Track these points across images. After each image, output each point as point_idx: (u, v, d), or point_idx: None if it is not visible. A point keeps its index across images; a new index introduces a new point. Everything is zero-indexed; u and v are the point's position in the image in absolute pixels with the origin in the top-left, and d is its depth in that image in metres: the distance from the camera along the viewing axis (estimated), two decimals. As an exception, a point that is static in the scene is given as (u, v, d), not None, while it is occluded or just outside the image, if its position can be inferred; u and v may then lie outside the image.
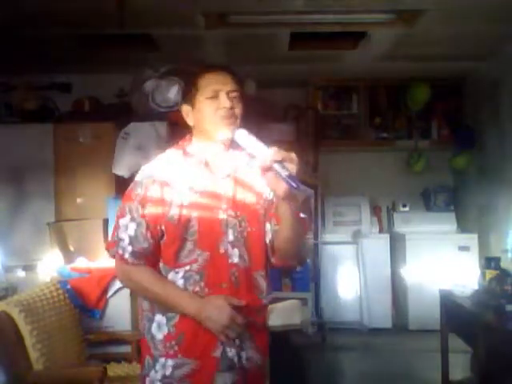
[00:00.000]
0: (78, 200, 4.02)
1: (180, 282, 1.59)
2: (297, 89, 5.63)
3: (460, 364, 3.72)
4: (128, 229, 1.60)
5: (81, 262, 3.52)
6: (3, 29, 3.77)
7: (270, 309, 3.36)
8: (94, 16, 3.61)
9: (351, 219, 5.54)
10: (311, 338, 4.79)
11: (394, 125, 5.66)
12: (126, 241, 1.60)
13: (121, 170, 3.83)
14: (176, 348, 1.58)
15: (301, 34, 4.21)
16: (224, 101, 1.63)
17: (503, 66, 4.71)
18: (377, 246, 5.42)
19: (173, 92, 3.94)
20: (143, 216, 1.60)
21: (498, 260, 3.21)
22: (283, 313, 3.32)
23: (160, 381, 1.58)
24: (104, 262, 3.58)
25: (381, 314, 5.30)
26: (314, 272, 5.23)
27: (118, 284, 3.21)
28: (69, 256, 3.66)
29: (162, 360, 1.58)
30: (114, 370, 2.80)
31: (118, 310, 3.17)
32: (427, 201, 5.73)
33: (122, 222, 1.62)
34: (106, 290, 3.18)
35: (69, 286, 3.06)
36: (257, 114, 5.15)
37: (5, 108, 4.56)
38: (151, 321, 1.62)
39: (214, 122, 1.63)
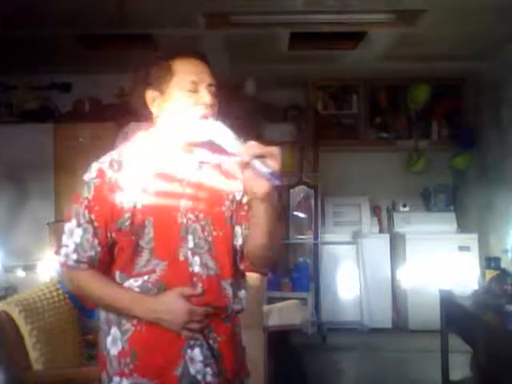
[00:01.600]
0: (78, 200, 4.02)
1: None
2: (297, 89, 5.63)
3: (460, 364, 3.72)
4: (73, 235, 1.44)
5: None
6: (3, 29, 3.77)
7: (270, 309, 3.37)
8: (94, 16, 3.61)
9: (351, 219, 5.54)
10: (311, 338, 4.79)
11: (394, 125, 5.66)
12: (71, 247, 1.44)
13: (121, 170, 3.83)
14: (131, 366, 1.40)
15: (301, 34, 4.21)
16: (204, 96, 1.44)
17: (503, 66, 4.71)
18: (377, 246, 5.41)
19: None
20: (90, 222, 1.43)
21: (498, 260, 3.21)
22: (283, 313, 3.32)
23: None
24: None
25: (381, 314, 5.30)
26: (313, 272, 5.24)
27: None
28: (69, 256, 3.65)
29: (117, 379, 1.42)
30: (114, 370, 2.80)
31: (118, 310, 3.17)
32: (427, 201, 5.73)
33: (69, 226, 1.46)
34: (105, 290, 3.17)
35: (69, 286, 3.05)
36: (257, 114, 5.17)
37: (5, 108, 4.56)
38: (106, 334, 1.45)
39: (190, 118, 1.44)
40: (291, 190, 5.38)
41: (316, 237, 5.28)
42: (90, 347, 2.92)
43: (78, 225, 1.44)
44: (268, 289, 3.88)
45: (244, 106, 4.97)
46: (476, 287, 3.13)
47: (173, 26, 3.93)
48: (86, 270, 1.44)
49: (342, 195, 5.59)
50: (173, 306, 1.38)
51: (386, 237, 5.47)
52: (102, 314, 1.48)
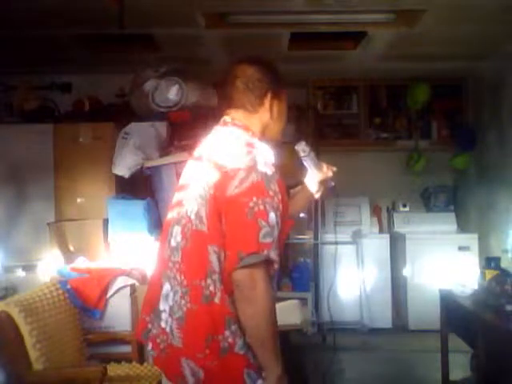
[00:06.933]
0: (78, 200, 4.03)
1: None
2: (297, 89, 5.62)
3: (460, 364, 3.72)
4: (274, 230, 1.41)
5: (81, 262, 3.52)
6: (3, 29, 3.77)
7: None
8: (94, 16, 3.61)
9: (351, 219, 5.53)
10: (311, 338, 4.78)
11: (394, 125, 5.66)
12: (273, 243, 1.40)
13: (121, 170, 3.83)
14: None
15: (301, 34, 4.21)
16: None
17: (503, 66, 4.71)
18: (377, 246, 5.41)
19: (173, 92, 3.94)
20: (280, 217, 1.44)
21: (498, 260, 3.21)
22: (283, 313, 3.32)
23: None
24: (104, 262, 3.58)
25: (381, 314, 5.30)
26: (313, 272, 5.23)
27: (117, 284, 3.21)
28: (69, 256, 3.66)
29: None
30: (114, 370, 2.80)
31: (118, 310, 3.17)
32: (427, 201, 5.73)
33: (271, 219, 1.40)
34: (105, 290, 3.17)
35: (69, 286, 3.06)
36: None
37: (5, 108, 4.56)
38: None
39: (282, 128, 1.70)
40: (291, 191, 5.37)
41: (316, 237, 5.28)
42: (90, 347, 2.93)
43: (277, 221, 1.42)
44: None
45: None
46: (476, 287, 3.13)
47: (173, 26, 3.93)
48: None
49: (342, 195, 5.57)
50: None
51: (386, 237, 5.47)
52: (249, 356, 1.44)
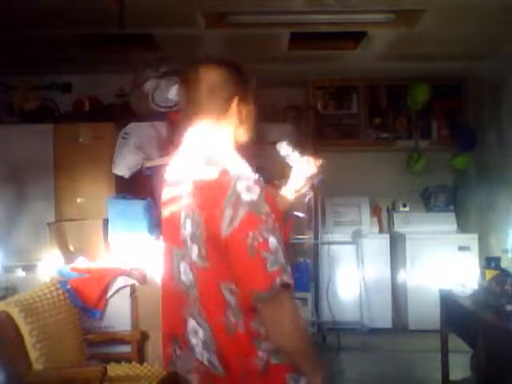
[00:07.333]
0: (78, 200, 4.03)
1: None
2: (297, 89, 5.63)
3: (460, 364, 3.72)
4: (279, 254, 1.38)
5: (81, 262, 3.52)
6: (3, 29, 3.77)
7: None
8: (94, 16, 3.61)
9: (351, 219, 5.53)
10: (311, 338, 4.78)
11: (394, 125, 5.66)
12: (285, 265, 1.38)
13: (121, 170, 3.83)
14: None
15: (301, 34, 4.21)
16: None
17: (503, 66, 4.71)
18: (377, 245, 5.41)
19: (173, 92, 3.93)
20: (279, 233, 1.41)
21: (497, 260, 3.21)
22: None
23: None
24: (104, 262, 3.58)
25: (381, 314, 5.30)
26: (313, 272, 5.24)
27: (117, 284, 3.21)
28: (69, 256, 3.66)
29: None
30: (114, 370, 2.80)
31: (118, 310, 3.17)
32: (427, 201, 5.73)
33: (272, 245, 1.37)
34: (105, 290, 3.17)
35: (69, 286, 3.06)
36: (256, 113, 5.16)
37: (5, 108, 4.56)
38: None
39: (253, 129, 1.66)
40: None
41: (316, 237, 5.28)
42: (90, 347, 2.93)
43: (278, 241, 1.38)
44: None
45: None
46: (476, 287, 3.13)
47: (173, 26, 3.93)
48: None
49: (341, 195, 5.58)
50: None
51: (386, 237, 5.47)
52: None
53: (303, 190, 1.80)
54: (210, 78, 1.56)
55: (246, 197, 1.38)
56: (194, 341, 1.48)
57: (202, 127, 1.57)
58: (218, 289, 1.43)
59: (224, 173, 1.42)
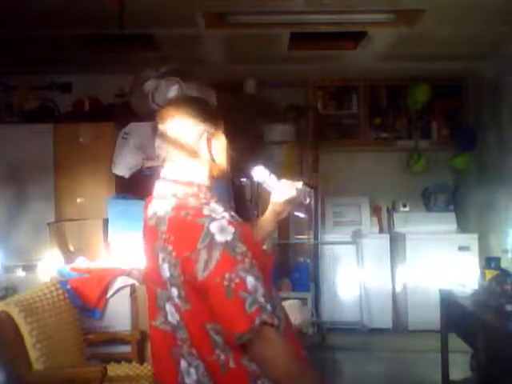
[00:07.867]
0: (78, 200, 4.03)
1: None
2: (297, 89, 5.63)
3: (460, 364, 3.72)
4: (258, 290, 1.36)
5: (81, 262, 3.52)
6: (3, 29, 3.77)
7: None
8: (94, 16, 3.61)
9: (351, 219, 5.54)
10: (311, 338, 4.78)
11: (394, 125, 5.66)
12: (266, 304, 1.36)
13: (121, 170, 3.83)
14: None
15: (301, 34, 4.21)
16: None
17: (503, 66, 4.71)
18: (377, 245, 5.42)
19: (173, 92, 3.93)
20: (258, 270, 1.39)
21: (497, 260, 3.21)
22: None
23: None
24: (104, 262, 3.58)
25: (381, 314, 5.30)
26: (313, 272, 5.24)
27: (117, 284, 3.21)
28: (69, 256, 3.66)
29: None
30: (114, 370, 2.80)
31: (118, 310, 3.17)
32: (427, 201, 5.73)
33: (250, 283, 1.35)
34: (105, 290, 3.17)
35: (69, 286, 3.06)
36: (257, 114, 5.16)
37: (5, 108, 4.56)
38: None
39: (227, 162, 1.61)
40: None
41: (316, 237, 5.28)
42: (90, 347, 2.93)
43: (257, 278, 1.36)
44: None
45: (244, 107, 4.97)
46: (476, 287, 3.13)
47: (173, 26, 3.93)
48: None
49: (341, 195, 5.59)
50: None
51: (386, 237, 5.47)
52: None
53: (283, 215, 1.76)
54: (175, 120, 1.53)
55: (220, 238, 1.35)
56: (187, 380, 1.46)
57: (175, 169, 1.54)
58: (204, 329, 1.41)
59: (197, 213, 1.40)
